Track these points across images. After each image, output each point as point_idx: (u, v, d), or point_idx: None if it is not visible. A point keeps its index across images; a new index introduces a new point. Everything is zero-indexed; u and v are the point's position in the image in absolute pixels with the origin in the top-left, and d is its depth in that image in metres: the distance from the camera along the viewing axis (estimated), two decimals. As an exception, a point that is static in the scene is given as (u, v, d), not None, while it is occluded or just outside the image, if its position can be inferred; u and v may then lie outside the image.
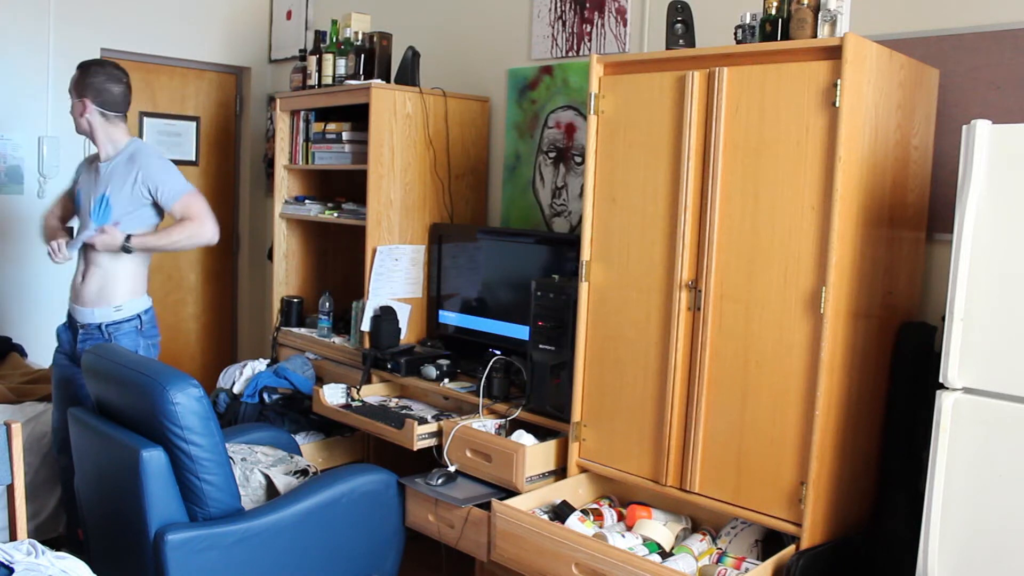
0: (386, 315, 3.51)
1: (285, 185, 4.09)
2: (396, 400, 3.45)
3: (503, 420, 2.98)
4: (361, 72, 3.65)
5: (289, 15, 4.95)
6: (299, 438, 3.43)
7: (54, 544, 2.53)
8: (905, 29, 2.58)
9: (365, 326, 3.53)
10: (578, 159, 3.47)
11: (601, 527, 2.54)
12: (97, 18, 4.47)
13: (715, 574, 2.25)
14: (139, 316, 3.14)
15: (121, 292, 3.11)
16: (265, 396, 3.58)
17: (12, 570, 1.85)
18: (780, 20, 2.35)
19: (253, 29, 5.08)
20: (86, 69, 3.10)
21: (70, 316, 3.21)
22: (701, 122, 2.38)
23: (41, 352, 4.34)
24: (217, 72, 5.07)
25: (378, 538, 2.82)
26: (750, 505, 2.33)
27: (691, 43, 2.58)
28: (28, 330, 4.32)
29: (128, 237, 3.05)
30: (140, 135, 4.78)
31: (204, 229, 3.09)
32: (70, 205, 3.32)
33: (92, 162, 3.22)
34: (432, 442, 3.00)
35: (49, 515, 3.41)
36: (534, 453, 2.73)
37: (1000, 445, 1.82)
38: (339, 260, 4.26)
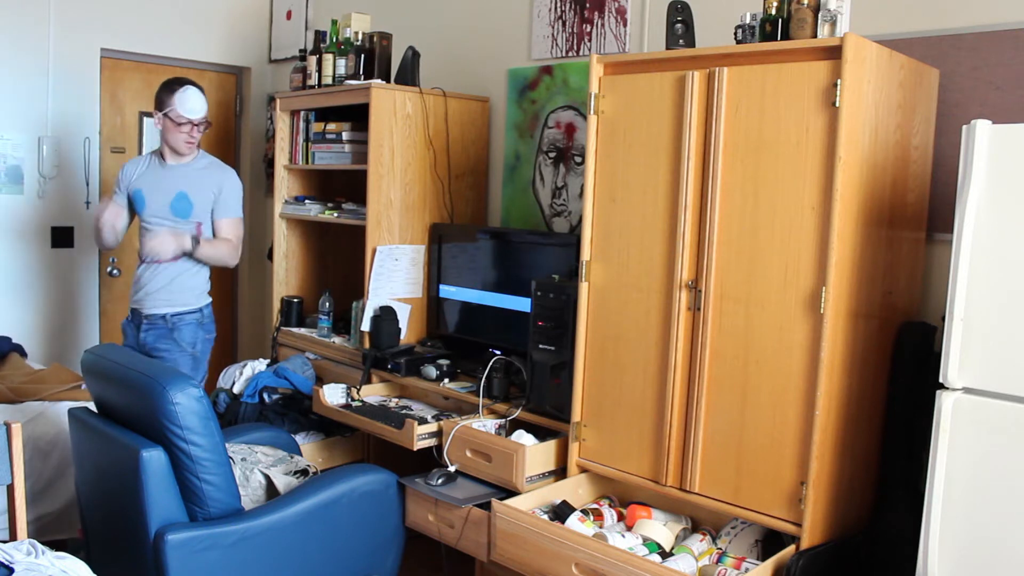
0: (386, 315, 3.51)
1: (285, 185, 4.09)
2: (396, 400, 3.44)
3: (503, 420, 2.98)
4: (361, 72, 3.65)
5: (289, 15, 4.95)
6: (299, 438, 3.43)
7: (60, 547, 2.52)
8: (905, 29, 2.58)
9: (365, 326, 3.53)
10: (578, 159, 3.47)
11: (601, 527, 2.54)
12: (97, 18, 4.46)
13: (715, 574, 2.25)
14: (201, 310, 3.37)
15: (188, 288, 3.35)
16: (265, 396, 3.58)
17: (12, 570, 1.85)
18: (780, 20, 2.35)
19: (253, 29, 5.08)
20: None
21: (133, 311, 3.42)
22: (701, 122, 2.38)
23: (41, 352, 4.34)
24: (217, 72, 5.07)
25: (378, 538, 2.82)
26: (750, 505, 2.33)
27: (691, 43, 2.58)
28: (28, 330, 4.32)
29: (196, 241, 3.28)
30: (140, 135, 4.80)
31: (236, 254, 3.48)
32: (122, 211, 3.46)
33: (151, 162, 3.42)
34: (432, 442, 3.00)
35: (54, 516, 3.40)
36: (534, 453, 2.73)
37: (1000, 445, 1.82)
38: (339, 260, 4.25)
